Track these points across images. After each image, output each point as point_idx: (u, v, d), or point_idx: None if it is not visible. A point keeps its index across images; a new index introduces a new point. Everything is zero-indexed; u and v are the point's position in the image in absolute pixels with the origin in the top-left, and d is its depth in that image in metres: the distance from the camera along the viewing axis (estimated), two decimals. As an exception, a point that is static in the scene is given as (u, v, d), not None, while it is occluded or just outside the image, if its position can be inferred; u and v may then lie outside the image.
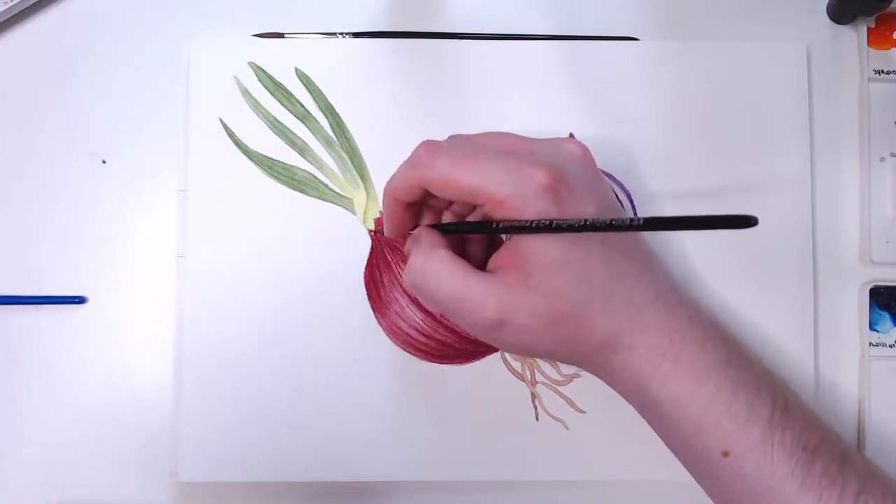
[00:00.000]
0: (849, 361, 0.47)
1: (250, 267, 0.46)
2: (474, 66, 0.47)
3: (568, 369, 0.46)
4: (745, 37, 0.48)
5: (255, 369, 0.45)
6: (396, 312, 0.46)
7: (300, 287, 0.46)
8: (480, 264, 0.38)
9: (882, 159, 0.47)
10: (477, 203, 0.36)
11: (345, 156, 0.47)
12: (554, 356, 0.40)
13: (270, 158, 0.47)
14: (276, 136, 0.47)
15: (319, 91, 0.47)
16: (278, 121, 0.47)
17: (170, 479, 0.45)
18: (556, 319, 0.35)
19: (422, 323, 0.46)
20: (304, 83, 0.47)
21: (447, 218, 0.41)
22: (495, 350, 0.46)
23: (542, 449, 0.45)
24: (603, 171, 0.47)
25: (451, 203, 0.40)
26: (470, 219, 0.41)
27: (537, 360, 0.46)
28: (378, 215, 0.46)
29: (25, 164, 0.47)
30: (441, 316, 0.46)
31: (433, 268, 0.37)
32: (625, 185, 0.47)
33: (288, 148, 0.47)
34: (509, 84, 0.47)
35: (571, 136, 0.47)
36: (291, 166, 0.47)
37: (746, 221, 0.29)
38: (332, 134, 0.47)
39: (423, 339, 0.46)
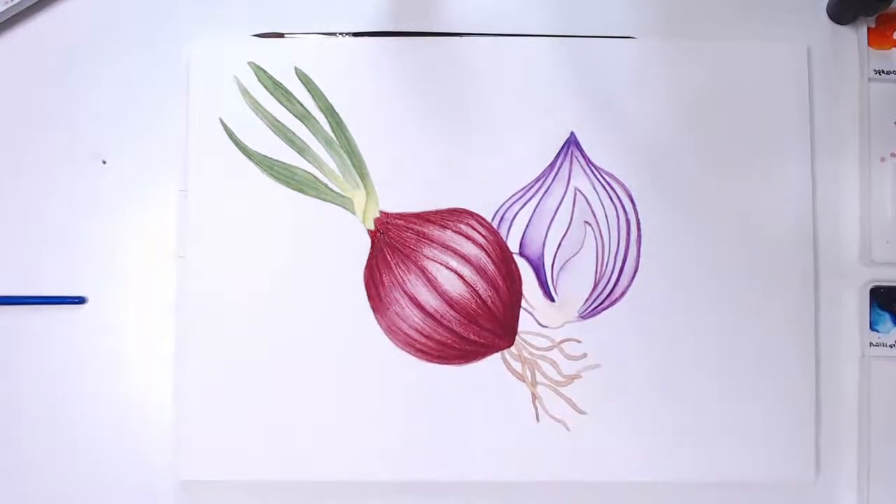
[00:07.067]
0: (849, 361, 0.47)
1: (250, 267, 0.46)
2: (473, 65, 0.47)
3: (569, 370, 0.46)
4: (745, 37, 0.48)
5: (254, 369, 0.45)
6: (396, 312, 0.46)
7: (300, 287, 0.46)
8: None
9: (882, 159, 0.47)
10: None
11: (344, 155, 0.47)
12: None
13: (270, 158, 0.47)
14: (276, 136, 0.47)
15: (319, 91, 0.47)
16: (278, 121, 0.47)
17: (171, 477, 0.45)
18: None
19: (422, 323, 0.46)
20: (303, 83, 0.47)
21: None
22: (495, 350, 0.46)
23: (542, 449, 0.45)
24: (603, 171, 0.47)
25: None
26: None
27: (538, 360, 0.46)
28: (378, 215, 0.46)
29: (25, 164, 0.47)
30: (441, 316, 0.46)
31: None
32: (625, 184, 0.47)
33: (288, 148, 0.47)
34: (508, 82, 0.47)
35: (573, 134, 0.47)
36: (291, 166, 0.47)
37: None
38: (331, 134, 0.47)
39: (422, 339, 0.46)
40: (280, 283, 0.46)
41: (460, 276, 0.46)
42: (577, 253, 0.46)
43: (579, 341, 0.46)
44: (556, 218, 0.47)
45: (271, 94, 0.47)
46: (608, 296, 0.46)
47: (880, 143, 0.47)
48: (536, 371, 0.46)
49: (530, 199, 0.47)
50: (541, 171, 0.47)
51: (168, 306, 0.46)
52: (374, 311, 0.46)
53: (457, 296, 0.46)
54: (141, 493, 0.46)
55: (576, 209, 0.47)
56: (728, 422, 0.45)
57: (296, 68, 0.47)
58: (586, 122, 0.47)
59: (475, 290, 0.46)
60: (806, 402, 0.46)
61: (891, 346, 0.46)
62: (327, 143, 0.47)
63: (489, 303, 0.46)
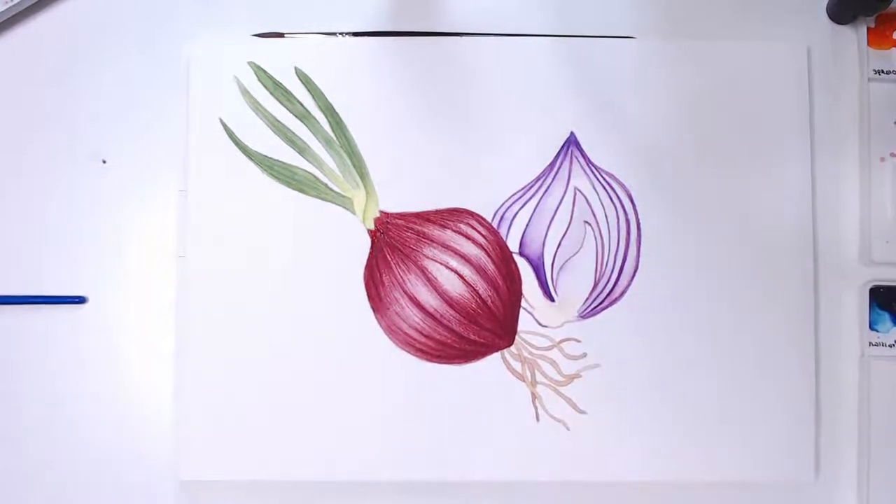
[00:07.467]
0: (849, 361, 0.47)
1: (250, 267, 0.46)
2: (473, 65, 0.47)
3: (569, 369, 0.46)
4: (745, 37, 0.48)
5: (254, 368, 0.45)
6: (396, 312, 0.46)
7: (300, 287, 0.46)
8: None
9: (882, 159, 0.47)
10: None
11: (344, 155, 0.47)
12: None
13: (270, 158, 0.47)
14: (276, 136, 0.47)
15: (319, 90, 0.47)
16: (278, 121, 0.47)
17: (171, 477, 0.45)
18: None
19: (421, 323, 0.46)
20: (303, 83, 0.47)
21: None
22: (495, 350, 0.46)
23: (542, 449, 0.45)
24: (603, 170, 0.47)
25: None
26: None
27: (538, 360, 0.46)
28: (378, 215, 0.46)
29: (25, 164, 0.47)
30: (441, 316, 0.46)
31: None
32: (625, 184, 0.47)
33: (288, 148, 0.47)
34: (508, 82, 0.47)
35: (573, 134, 0.47)
36: (291, 166, 0.47)
37: None
38: (331, 133, 0.47)
39: (422, 339, 0.46)
40: (280, 283, 0.46)
41: (460, 276, 0.46)
42: (576, 253, 0.46)
43: (579, 341, 0.46)
44: (555, 218, 0.47)
45: (271, 94, 0.47)
46: (608, 295, 0.46)
47: (880, 143, 0.47)
48: (536, 371, 0.46)
49: (530, 198, 0.47)
50: (541, 170, 0.47)
51: (168, 306, 0.46)
52: (374, 310, 0.46)
53: (457, 295, 0.46)
54: (141, 493, 0.46)
55: (576, 209, 0.47)
56: (728, 422, 0.45)
57: (296, 68, 0.47)
58: (586, 122, 0.47)
59: (475, 289, 0.46)
60: (806, 402, 0.46)
61: (890, 346, 0.46)
62: (327, 143, 0.47)
63: (489, 302, 0.46)
